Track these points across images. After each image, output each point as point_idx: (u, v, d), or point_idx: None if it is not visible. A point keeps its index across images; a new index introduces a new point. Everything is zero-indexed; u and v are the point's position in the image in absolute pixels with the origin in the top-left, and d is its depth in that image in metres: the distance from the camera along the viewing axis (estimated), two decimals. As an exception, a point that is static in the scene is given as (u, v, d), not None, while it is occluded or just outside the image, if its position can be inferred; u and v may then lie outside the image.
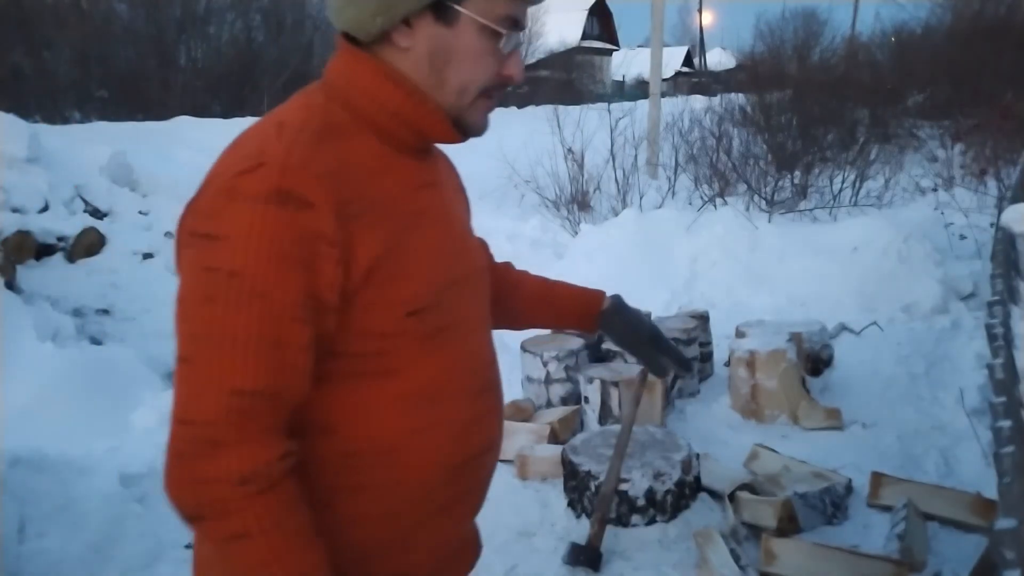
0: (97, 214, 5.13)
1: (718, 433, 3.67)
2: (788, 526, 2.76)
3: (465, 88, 1.02)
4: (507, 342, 3.54)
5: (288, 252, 0.89)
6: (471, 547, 1.25)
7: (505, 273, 1.41)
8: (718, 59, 38.69)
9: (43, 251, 4.69)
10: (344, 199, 0.93)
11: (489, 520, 2.56)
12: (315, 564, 0.94)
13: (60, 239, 4.77)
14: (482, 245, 1.31)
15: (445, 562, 1.14)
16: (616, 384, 3.50)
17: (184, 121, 9.64)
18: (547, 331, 4.18)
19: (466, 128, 1.06)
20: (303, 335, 0.92)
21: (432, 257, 1.03)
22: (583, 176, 7.77)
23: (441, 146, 1.15)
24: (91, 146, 5.77)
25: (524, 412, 3.69)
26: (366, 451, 1.01)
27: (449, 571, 1.17)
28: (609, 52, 35.70)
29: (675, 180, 8.43)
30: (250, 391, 0.90)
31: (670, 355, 1.53)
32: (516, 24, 1.02)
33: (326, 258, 0.91)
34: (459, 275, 1.08)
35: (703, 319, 4.42)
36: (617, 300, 1.49)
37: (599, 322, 1.47)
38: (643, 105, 9.74)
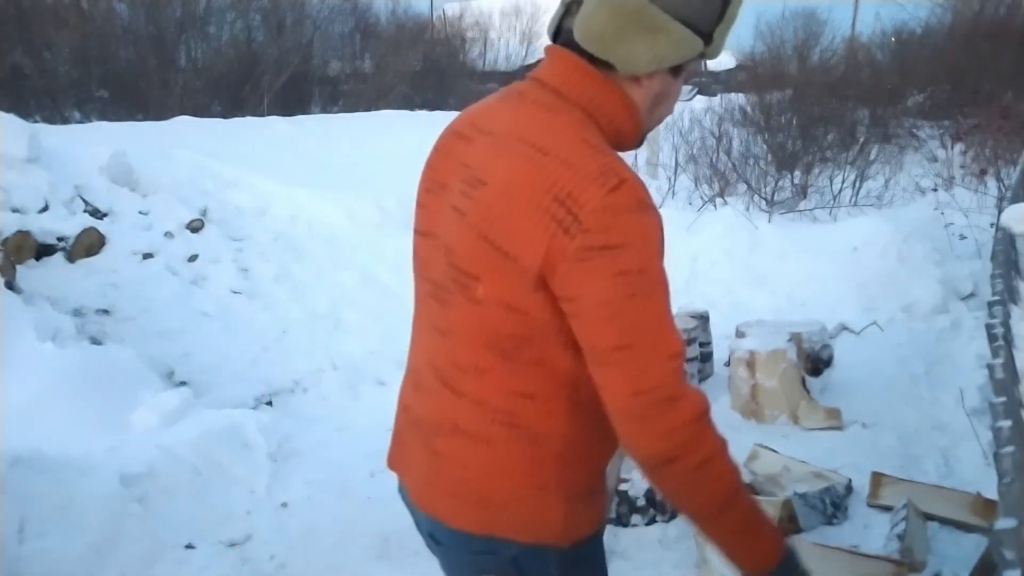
0: (97, 214, 5.13)
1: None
2: (788, 526, 2.76)
3: (663, 117, 1.29)
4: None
5: (663, 244, 1.13)
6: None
7: None
8: (718, 59, 38.69)
9: (43, 251, 4.68)
10: None
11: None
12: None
13: (60, 239, 4.76)
14: None
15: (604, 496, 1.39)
16: (616, 384, 3.50)
17: (184, 121, 9.63)
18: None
19: (638, 144, 1.30)
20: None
21: None
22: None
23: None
24: (91, 146, 5.76)
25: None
26: (603, 417, 1.19)
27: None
28: (609, 52, 35.69)
29: (675, 180, 8.43)
30: (677, 353, 1.12)
31: None
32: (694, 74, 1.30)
33: None
34: None
35: (703, 319, 4.42)
36: None
37: None
38: (643, 105, 9.72)
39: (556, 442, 1.21)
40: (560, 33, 1.23)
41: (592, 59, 1.17)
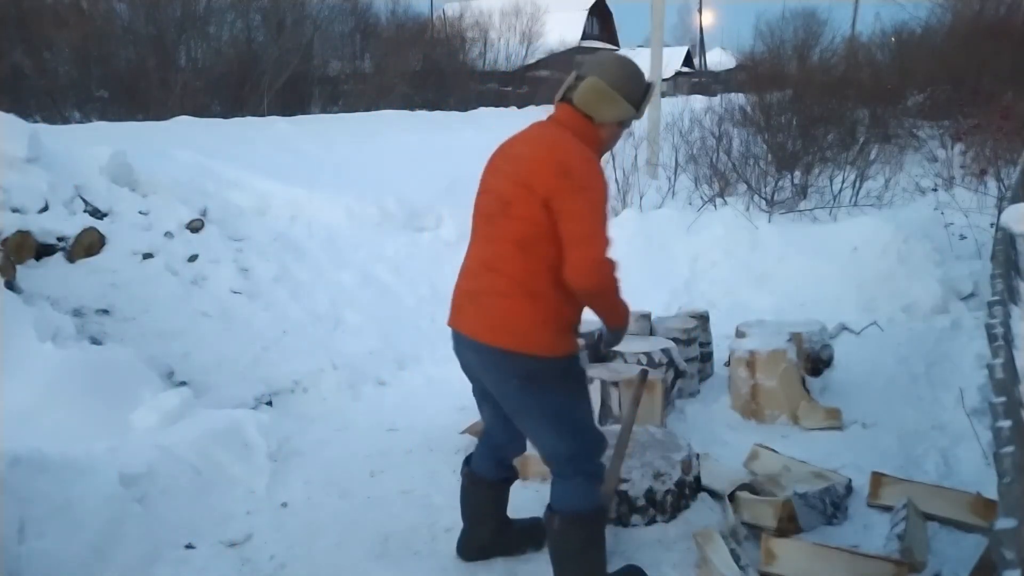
0: (97, 214, 5.13)
1: (718, 433, 3.67)
2: (788, 526, 2.76)
3: (608, 149, 2.42)
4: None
5: (606, 190, 2.24)
6: None
7: None
8: (718, 59, 38.71)
9: (43, 251, 4.68)
10: None
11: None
12: None
13: (60, 239, 4.76)
14: None
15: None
16: (616, 384, 3.50)
17: (184, 121, 9.63)
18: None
19: None
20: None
21: None
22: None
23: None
24: (91, 146, 5.76)
25: (524, 412, 3.69)
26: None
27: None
28: (609, 52, 35.68)
29: (675, 180, 8.43)
30: (607, 239, 2.19)
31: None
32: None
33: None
34: None
35: (703, 319, 4.42)
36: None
37: None
38: (643, 105, 9.72)
39: (546, 298, 2.21)
40: (565, 96, 2.34)
41: (582, 113, 2.30)
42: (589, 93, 2.26)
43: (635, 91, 2.30)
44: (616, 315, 2.32)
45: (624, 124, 2.35)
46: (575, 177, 2.15)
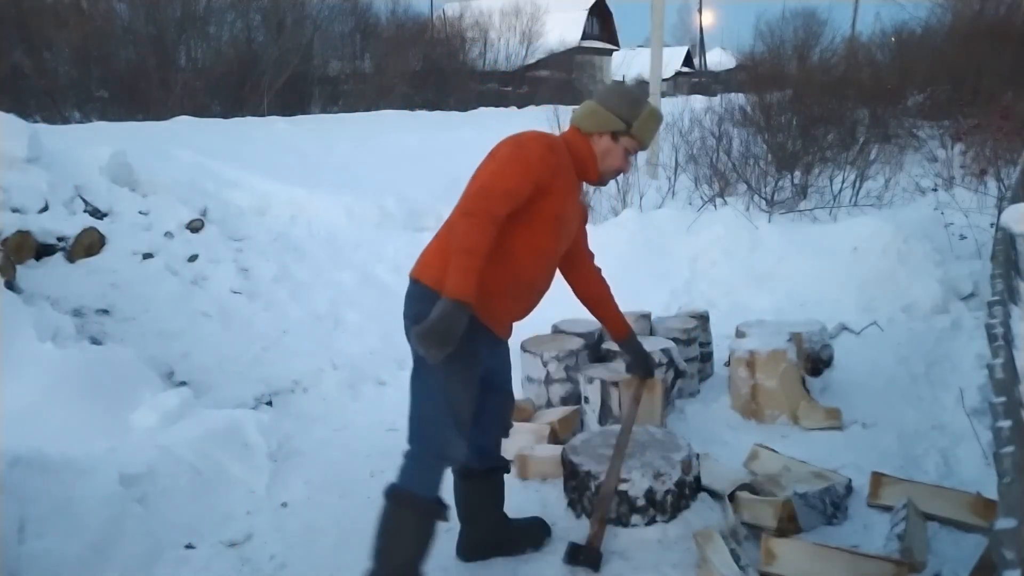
0: (97, 214, 5.13)
1: (718, 433, 3.67)
2: (788, 526, 2.76)
3: (609, 167, 2.56)
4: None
5: (543, 161, 2.32)
6: (499, 328, 2.48)
7: (589, 267, 2.90)
8: (718, 59, 38.72)
9: (43, 251, 4.68)
10: (562, 164, 2.41)
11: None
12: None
13: (60, 239, 4.76)
14: (582, 233, 2.78)
15: (507, 321, 2.50)
16: (616, 384, 3.50)
17: (184, 121, 9.63)
18: (548, 332, 4.18)
19: (601, 180, 2.60)
20: (529, 188, 2.28)
21: (561, 208, 2.41)
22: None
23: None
24: (91, 146, 5.76)
25: (524, 412, 3.70)
26: (511, 252, 2.33)
27: (505, 328, 2.52)
28: (609, 52, 35.69)
29: (675, 180, 8.43)
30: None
31: (646, 366, 3.01)
32: (634, 152, 2.58)
33: (548, 174, 2.33)
34: (565, 231, 2.49)
35: (703, 319, 4.42)
36: (631, 340, 2.97)
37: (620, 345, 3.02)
38: (643, 105, 9.72)
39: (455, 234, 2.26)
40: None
41: (576, 127, 2.55)
42: (580, 110, 2.56)
43: (619, 104, 2.49)
44: (457, 272, 2.10)
45: (618, 137, 2.50)
46: (519, 138, 2.37)
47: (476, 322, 2.26)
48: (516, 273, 2.36)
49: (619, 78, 30.31)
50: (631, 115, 2.48)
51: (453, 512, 2.73)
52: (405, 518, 2.30)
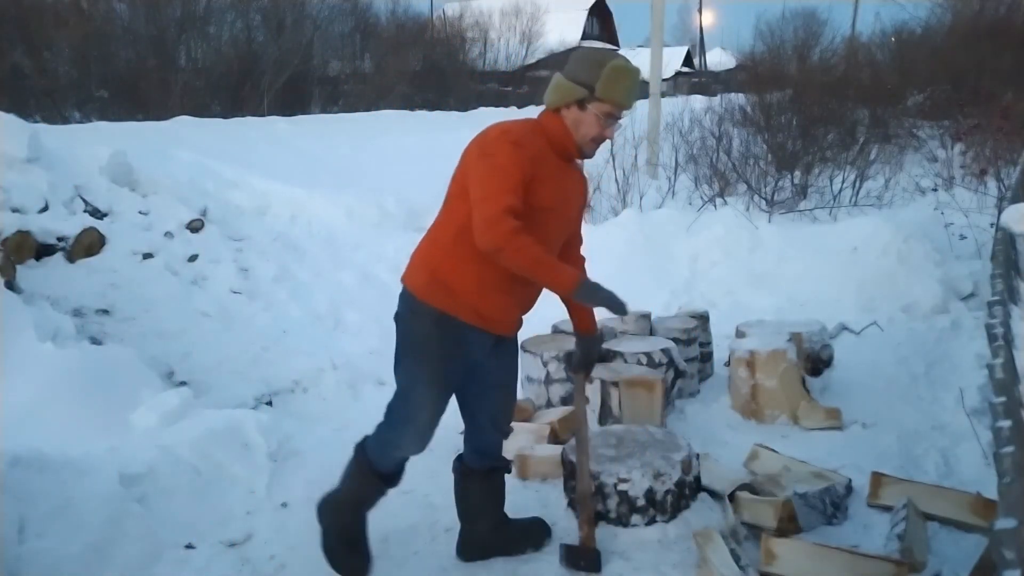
0: (97, 214, 5.13)
1: (718, 433, 3.67)
2: (788, 526, 2.76)
3: (583, 136, 2.38)
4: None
5: (518, 161, 2.23)
6: (500, 326, 2.46)
7: (574, 260, 2.67)
8: (718, 59, 38.71)
9: (43, 251, 4.68)
10: (533, 153, 2.29)
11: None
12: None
13: (60, 239, 4.76)
14: (579, 216, 2.66)
15: (501, 317, 2.43)
16: (616, 384, 3.50)
17: (184, 121, 9.63)
18: (548, 332, 4.18)
19: (583, 153, 2.43)
20: (520, 193, 2.22)
21: (550, 194, 2.33)
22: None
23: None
24: (91, 146, 5.76)
25: (524, 412, 3.70)
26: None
27: (501, 325, 2.45)
28: (609, 52, 35.67)
29: (675, 180, 8.43)
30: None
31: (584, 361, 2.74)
32: (611, 116, 2.36)
33: (526, 168, 2.25)
34: (557, 207, 2.38)
35: (703, 319, 4.42)
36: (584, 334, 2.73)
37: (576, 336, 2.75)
38: (643, 105, 9.73)
39: (442, 247, 2.40)
40: None
41: (549, 108, 2.42)
42: (548, 87, 2.43)
43: (578, 71, 2.34)
44: (549, 277, 2.24)
45: (585, 105, 2.33)
46: (483, 145, 2.29)
47: (461, 325, 2.34)
48: (507, 269, 2.29)
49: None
50: (591, 78, 2.30)
51: (455, 513, 2.74)
52: (356, 473, 2.58)
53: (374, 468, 2.53)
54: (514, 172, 2.21)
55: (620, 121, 2.40)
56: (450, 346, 2.37)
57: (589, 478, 2.61)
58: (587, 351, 2.67)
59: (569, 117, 2.35)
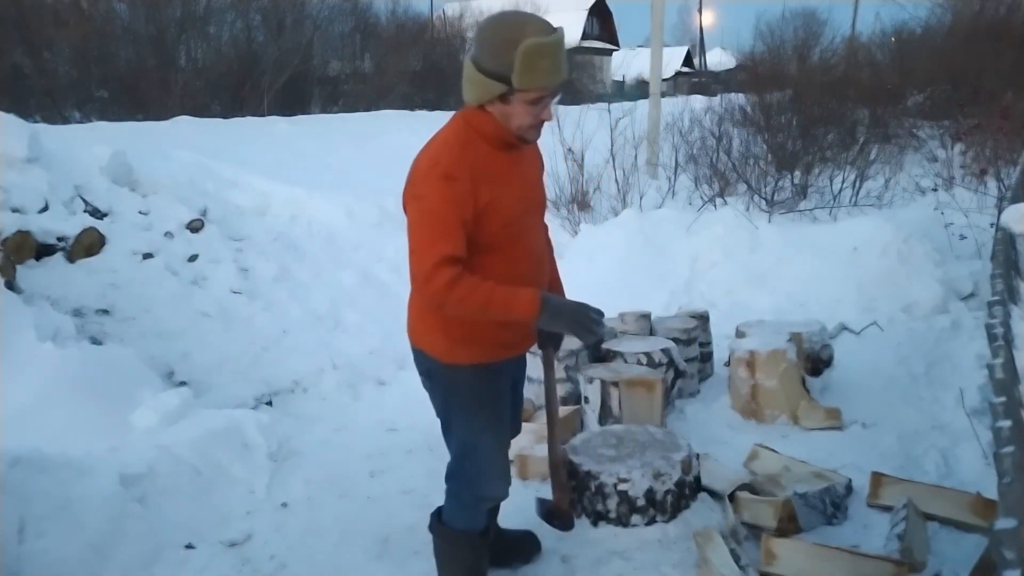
0: (97, 214, 5.13)
1: (718, 433, 3.67)
2: (788, 526, 2.76)
3: (519, 127, 2.09)
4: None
5: (452, 199, 1.99)
6: (524, 342, 2.33)
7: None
8: (718, 59, 38.68)
9: (43, 251, 4.68)
10: (475, 177, 2.03)
11: (489, 520, 2.54)
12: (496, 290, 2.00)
13: (60, 239, 4.76)
14: (544, 196, 2.39)
15: (525, 332, 2.26)
16: (616, 384, 3.49)
17: (184, 121, 9.64)
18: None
19: (524, 140, 2.14)
20: (461, 233, 2.00)
21: (513, 201, 2.13)
22: (583, 176, 7.76)
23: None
24: (91, 146, 5.76)
25: (524, 412, 3.69)
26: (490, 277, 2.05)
27: (527, 339, 2.31)
28: (609, 52, 35.71)
29: (675, 180, 8.43)
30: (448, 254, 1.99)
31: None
32: (540, 100, 2.05)
33: (466, 201, 2.01)
34: (527, 208, 2.21)
35: (703, 319, 4.42)
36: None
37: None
38: (643, 105, 9.74)
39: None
40: None
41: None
42: (463, 79, 2.09)
43: (491, 61, 1.98)
44: (505, 313, 2.00)
45: (508, 98, 2.02)
46: (415, 185, 2.05)
47: (495, 364, 2.23)
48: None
49: (619, 79, 30.34)
50: (505, 68, 1.96)
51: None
52: (449, 550, 2.43)
53: (464, 531, 2.38)
54: (448, 213, 1.97)
55: (556, 98, 2.11)
56: (494, 385, 2.26)
57: (559, 448, 2.62)
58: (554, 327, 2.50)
59: (496, 111, 2.05)
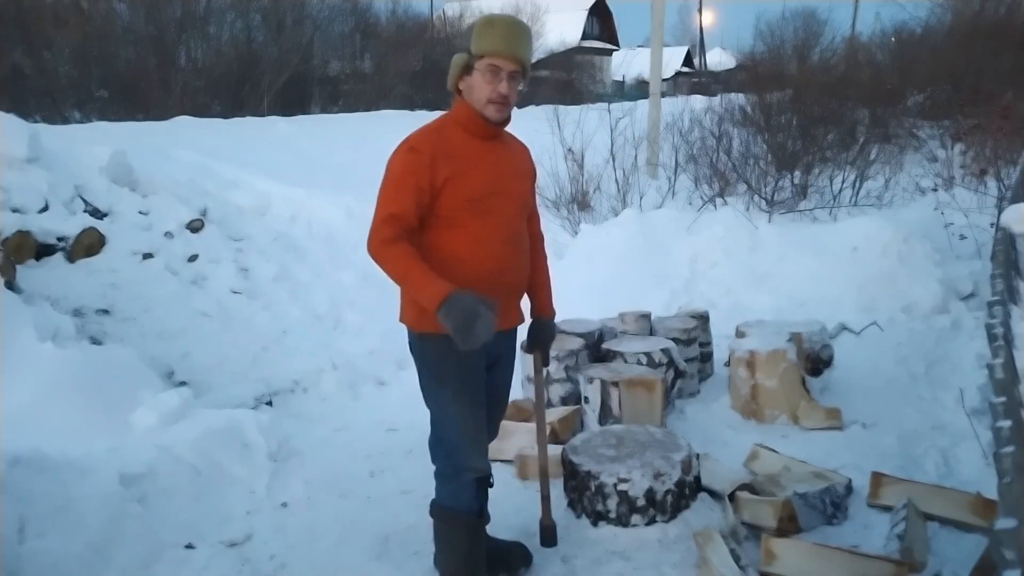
0: (97, 214, 5.13)
1: (718, 433, 3.67)
2: (788, 526, 2.76)
3: (479, 100, 2.27)
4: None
5: (408, 167, 2.21)
6: (503, 315, 2.31)
7: (533, 244, 2.58)
8: (718, 59, 38.67)
9: (43, 251, 4.68)
10: (436, 152, 2.22)
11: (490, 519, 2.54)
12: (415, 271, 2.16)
13: (60, 239, 4.76)
14: (530, 189, 2.58)
15: None
16: (616, 384, 3.50)
17: (184, 121, 9.64)
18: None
19: (488, 120, 2.29)
20: (412, 199, 2.20)
21: (482, 179, 2.28)
22: (583, 176, 7.77)
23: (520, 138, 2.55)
24: (91, 146, 5.76)
25: (524, 412, 3.70)
26: (449, 259, 2.25)
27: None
28: (609, 52, 35.69)
29: (675, 180, 8.43)
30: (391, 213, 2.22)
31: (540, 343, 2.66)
32: (495, 68, 2.23)
33: (422, 171, 2.20)
34: (496, 191, 2.31)
35: (703, 319, 4.42)
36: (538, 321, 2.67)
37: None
38: (643, 105, 9.75)
39: None
40: None
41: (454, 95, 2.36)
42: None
43: (464, 42, 2.32)
44: (416, 292, 2.14)
45: (471, 70, 2.26)
46: (388, 161, 2.31)
47: (450, 341, 2.13)
48: (464, 273, 2.22)
49: (619, 79, 30.34)
50: (469, 43, 2.27)
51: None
52: (445, 531, 2.47)
53: (455, 509, 2.42)
54: (405, 179, 2.19)
55: (518, 79, 2.26)
56: (466, 360, 2.28)
57: (546, 456, 2.62)
58: (538, 333, 2.64)
59: (464, 87, 2.29)
